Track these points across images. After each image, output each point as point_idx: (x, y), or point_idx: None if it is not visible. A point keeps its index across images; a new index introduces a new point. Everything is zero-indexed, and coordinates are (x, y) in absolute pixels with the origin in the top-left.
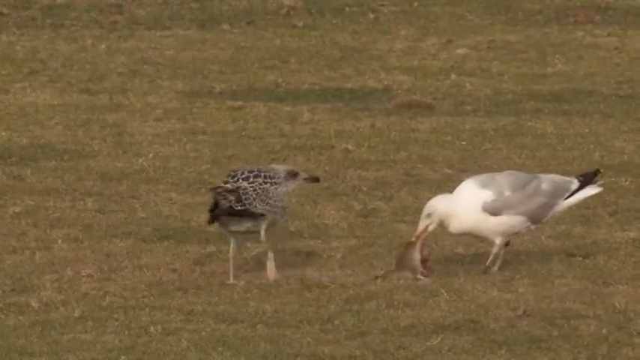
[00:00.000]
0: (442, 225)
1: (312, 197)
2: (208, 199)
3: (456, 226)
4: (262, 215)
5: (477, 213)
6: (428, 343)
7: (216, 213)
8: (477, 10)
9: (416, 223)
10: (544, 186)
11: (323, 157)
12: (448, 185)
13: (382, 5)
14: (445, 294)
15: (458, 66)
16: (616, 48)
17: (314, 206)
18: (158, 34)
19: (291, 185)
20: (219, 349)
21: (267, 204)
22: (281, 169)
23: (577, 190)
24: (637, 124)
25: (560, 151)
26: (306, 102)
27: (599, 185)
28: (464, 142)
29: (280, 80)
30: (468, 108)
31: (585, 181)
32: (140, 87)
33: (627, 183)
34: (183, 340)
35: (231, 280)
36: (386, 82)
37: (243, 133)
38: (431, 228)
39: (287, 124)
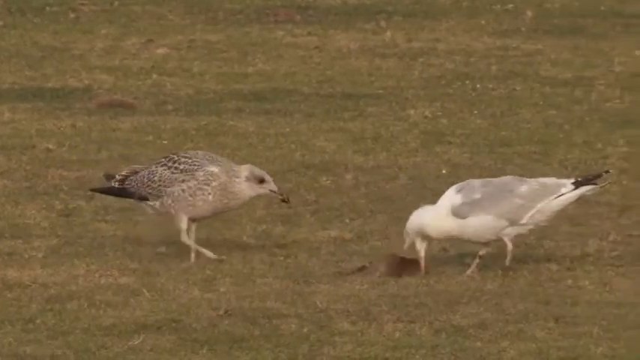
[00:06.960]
0: (423, 237)
1: (13, 197)
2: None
3: (434, 233)
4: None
5: (448, 218)
6: (130, 343)
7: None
8: (177, 9)
9: (117, 221)
10: (523, 188)
11: (24, 156)
12: None
13: (82, 4)
14: (147, 293)
15: (159, 65)
16: (316, 47)
17: (15, 206)
18: None
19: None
20: None
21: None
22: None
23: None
24: (337, 123)
25: (261, 150)
26: (7, 101)
27: (600, 186)
28: (165, 142)
29: None
30: (170, 107)
31: (582, 182)
32: None
33: (328, 182)
34: None
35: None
36: (87, 82)
37: None
38: (418, 247)
39: None
